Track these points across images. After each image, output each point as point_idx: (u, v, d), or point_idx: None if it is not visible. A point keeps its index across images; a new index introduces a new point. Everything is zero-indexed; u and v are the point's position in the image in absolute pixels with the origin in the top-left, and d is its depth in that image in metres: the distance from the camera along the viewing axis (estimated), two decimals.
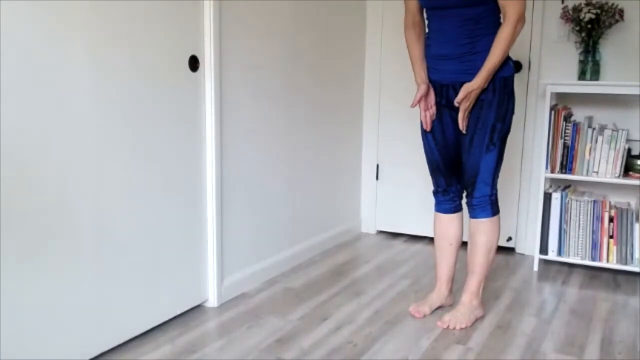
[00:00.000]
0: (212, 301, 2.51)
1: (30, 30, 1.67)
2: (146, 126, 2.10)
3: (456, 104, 2.21)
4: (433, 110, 2.33)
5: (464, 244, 3.26)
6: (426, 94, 2.30)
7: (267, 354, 2.08)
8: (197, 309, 2.46)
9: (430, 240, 3.62)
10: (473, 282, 2.38)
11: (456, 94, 2.26)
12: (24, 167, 1.69)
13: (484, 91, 2.21)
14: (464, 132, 2.25)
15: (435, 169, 2.43)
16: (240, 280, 2.66)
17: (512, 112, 2.27)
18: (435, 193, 2.48)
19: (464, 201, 2.47)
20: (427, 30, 2.33)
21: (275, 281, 2.84)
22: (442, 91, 2.30)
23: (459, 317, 2.34)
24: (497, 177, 2.31)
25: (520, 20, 2.11)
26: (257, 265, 2.79)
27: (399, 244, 3.56)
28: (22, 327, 1.74)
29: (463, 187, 2.43)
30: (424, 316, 2.43)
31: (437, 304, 2.50)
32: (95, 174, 1.92)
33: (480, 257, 2.34)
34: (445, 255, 2.49)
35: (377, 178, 3.75)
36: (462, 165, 2.34)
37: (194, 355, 2.07)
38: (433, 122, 2.35)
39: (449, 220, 2.47)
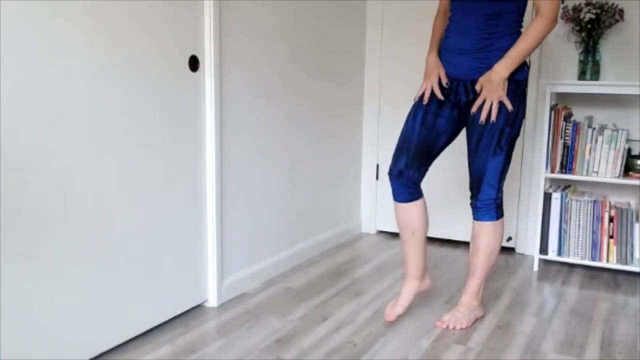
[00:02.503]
0: (212, 301, 2.51)
1: (29, 30, 1.67)
2: (146, 126, 2.10)
3: (477, 91, 2.17)
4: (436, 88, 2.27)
5: (464, 244, 3.26)
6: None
7: (267, 354, 2.09)
8: (197, 309, 2.46)
9: (431, 240, 3.62)
10: (473, 284, 2.37)
11: (465, 91, 2.23)
12: (23, 167, 1.69)
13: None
14: (482, 122, 2.18)
15: (403, 147, 2.29)
16: (240, 280, 2.66)
17: (523, 116, 2.23)
18: (389, 174, 2.33)
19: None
20: (448, 21, 2.29)
21: (275, 281, 2.84)
22: (452, 85, 2.26)
23: (458, 317, 2.33)
24: (504, 179, 2.27)
25: (555, 19, 2.09)
26: (257, 265, 2.79)
27: (398, 244, 3.56)
28: (22, 327, 1.74)
29: (421, 177, 2.32)
30: (397, 317, 2.36)
31: (412, 296, 2.40)
32: (95, 174, 1.92)
33: (481, 259, 2.33)
34: (410, 246, 2.38)
35: (377, 178, 3.75)
36: (468, 166, 2.29)
37: (194, 355, 2.07)
38: (431, 105, 2.28)
39: (407, 209, 2.34)
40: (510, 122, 2.19)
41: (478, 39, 2.17)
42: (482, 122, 2.18)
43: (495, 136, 2.19)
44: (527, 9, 2.25)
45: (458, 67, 2.23)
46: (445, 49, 2.28)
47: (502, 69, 2.12)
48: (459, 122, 2.32)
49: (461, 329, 2.32)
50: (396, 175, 2.31)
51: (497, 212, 2.29)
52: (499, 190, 2.27)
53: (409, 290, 2.40)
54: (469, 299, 2.38)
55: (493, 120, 2.16)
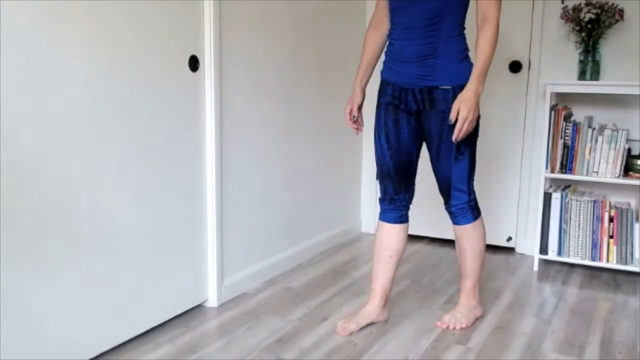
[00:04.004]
0: (212, 301, 2.51)
1: (30, 29, 1.67)
2: (146, 126, 2.10)
3: (451, 121, 2.09)
4: (360, 120, 2.38)
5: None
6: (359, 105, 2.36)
7: (267, 354, 2.09)
8: (197, 309, 2.46)
9: (430, 240, 3.62)
10: (467, 284, 2.37)
11: (414, 99, 2.16)
12: (24, 167, 1.69)
13: (444, 101, 2.12)
14: (454, 141, 2.12)
15: (384, 174, 2.30)
16: (240, 280, 2.66)
17: (478, 117, 2.13)
18: (381, 200, 2.34)
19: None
20: (390, 25, 2.21)
21: (275, 281, 2.84)
22: (401, 95, 2.19)
23: (458, 317, 2.34)
24: (473, 180, 2.24)
25: (499, 18, 2.06)
26: (257, 265, 2.79)
27: None
28: (22, 327, 1.74)
29: (411, 197, 2.34)
30: (350, 334, 2.26)
31: (368, 321, 2.32)
32: (95, 174, 1.92)
33: (469, 260, 2.32)
34: (383, 267, 2.34)
35: (377, 178, 3.74)
36: (434, 174, 2.27)
37: (194, 355, 2.07)
38: (387, 124, 2.25)
39: (392, 231, 2.33)
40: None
41: (423, 43, 2.10)
42: (455, 140, 2.11)
43: (453, 144, 2.15)
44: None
45: (404, 76, 2.16)
46: (390, 57, 2.21)
47: (477, 86, 2.06)
48: (420, 130, 2.25)
49: (461, 329, 2.32)
50: (389, 201, 2.33)
51: (473, 213, 2.27)
52: (470, 192, 2.25)
53: (370, 311, 2.34)
54: (466, 298, 2.38)
55: (463, 137, 2.10)
